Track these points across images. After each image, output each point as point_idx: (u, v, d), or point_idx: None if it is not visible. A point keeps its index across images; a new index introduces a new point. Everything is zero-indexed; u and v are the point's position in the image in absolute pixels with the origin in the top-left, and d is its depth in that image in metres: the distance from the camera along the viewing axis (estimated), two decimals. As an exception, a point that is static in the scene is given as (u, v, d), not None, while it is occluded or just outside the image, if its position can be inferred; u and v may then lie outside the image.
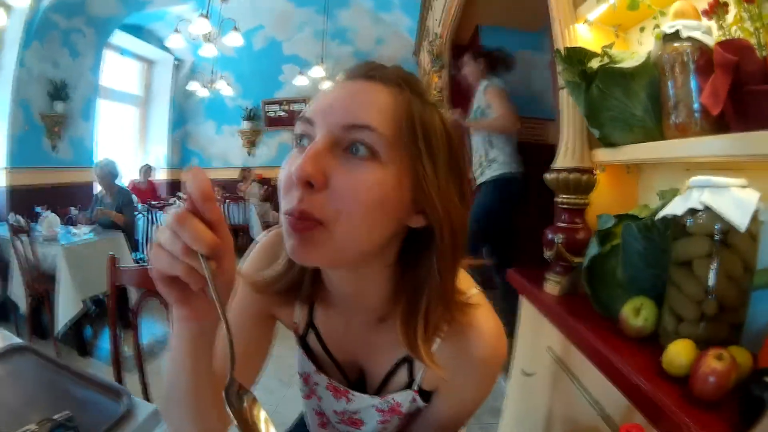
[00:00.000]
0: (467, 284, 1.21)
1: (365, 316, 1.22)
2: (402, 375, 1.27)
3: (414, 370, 1.26)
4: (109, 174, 6.54)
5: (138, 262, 7.10)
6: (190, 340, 0.93)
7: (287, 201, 0.92)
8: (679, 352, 1.31)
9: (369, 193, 0.90)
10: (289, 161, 0.97)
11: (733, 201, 1.27)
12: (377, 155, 0.91)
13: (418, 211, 1.01)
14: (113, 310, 2.48)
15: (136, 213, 7.75)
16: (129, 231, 6.52)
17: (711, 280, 1.33)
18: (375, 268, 1.09)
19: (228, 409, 0.78)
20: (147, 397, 2.44)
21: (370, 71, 1.01)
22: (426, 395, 1.29)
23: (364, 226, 0.93)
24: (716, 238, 1.31)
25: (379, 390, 1.32)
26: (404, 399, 1.29)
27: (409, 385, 1.28)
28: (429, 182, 0.96)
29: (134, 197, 7.60)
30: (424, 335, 1.06)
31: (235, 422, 0.79)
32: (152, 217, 8.24)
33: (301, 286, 1.24)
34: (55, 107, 9.20)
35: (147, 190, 10.53)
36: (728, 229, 1.29)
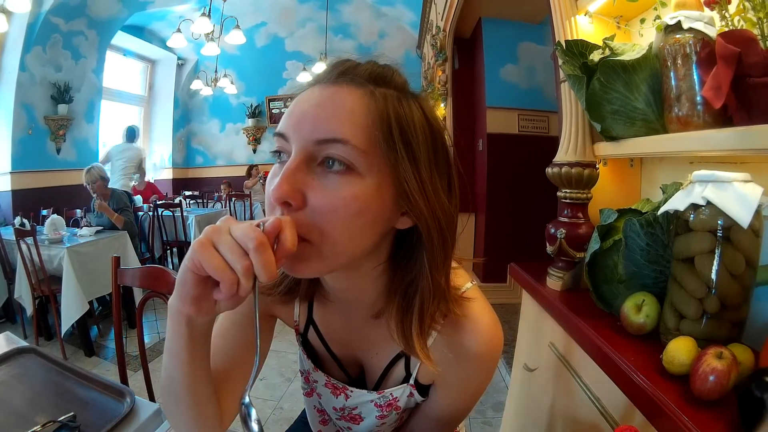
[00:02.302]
0: (463, 279, 1.20)
1: (361, 312, 1.22)
2: (399, 369, 1.28)
3: (411, 365, 1.26)
4: (100, 178, 6.48)
5: (144, 263, 7.11)
6: (190, 335, 0.94)
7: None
8: (679, 350, 1.29)
9: (347, 207, 0.89)
10: (271, 179, 0.97)
11: (736, 196, 1.25)
12: (353, 167, 0.90)
13: (404, 212, 1.00)
14: (117, 310, 2.50)
15: (140, 213, 7.76)
16: (131, 231, 6.49)
17: (713, 276, 1.31)
18: (367, 267, 1.08)
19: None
20: (151, 395, 2.45)
21: (340, 75, 1.00)
22: (423, 390, 1.30)
23: (348, 238, 0.93)
24: (719, 234, 1.29)
25: (378, 385, 1.33)
26: (401, 394, 1.30)
27: (406, 380, 1.28)
28: (411, 186, 0.95)
29: (135, 198, 7.61)
30: (419, 332, 1.06)
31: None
32: (157, 215, 8.21)
33: (299, 285, 1.25)
34: (59, 110, 9.32)
35: (146, 192, 10.53)
36: (731, 225, 1.27)
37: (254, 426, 0.84)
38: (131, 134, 9.64)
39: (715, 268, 1.31)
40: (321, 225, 0.89)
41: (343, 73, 1.00)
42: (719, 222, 1.29)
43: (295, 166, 0.89)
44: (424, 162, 0.96)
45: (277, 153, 0.99)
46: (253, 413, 0.85)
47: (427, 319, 1.06)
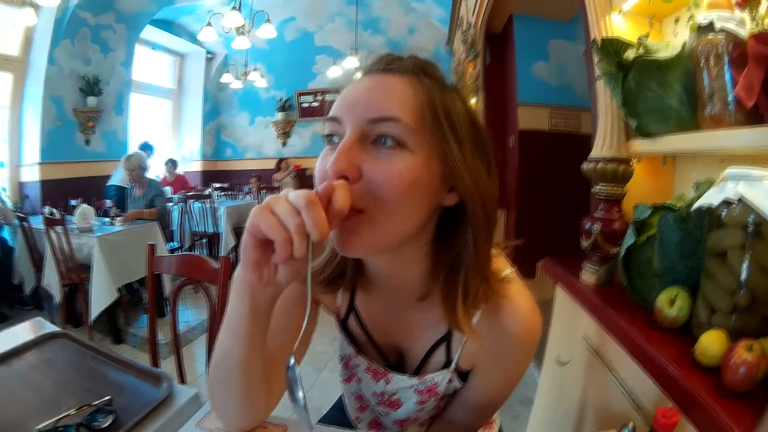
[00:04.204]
0: (502, 264, 1.24)
1: (405, 297, 1.25)
2: (440, 355, 1.31)
3: (451, 350, 1.29)
4: (138, 167, 6.56)
5: (172, 252, 7.15)
6: (252, 307, 0.98)
7: None
8: (711, 343, 1.32)
9: (401, 178, 0.95)
10: (323, 158, 1.03)
11: (767, 193, 1.27)
12: (405, 143, 0.97)
13: (450, 189, 1.07)
14: (152, 297, 2.54)
15: (170, 204, 7.78)
16: (163, 222, 6.55)
17: (744, 271, 1.33)
18: (413, 248, 1.13)
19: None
20: (183, 382, 2.47)
21: (387, 64, 1.07)
22: (463, 376, 1.33)
23: (401, 210, 0.98)
24: (750, 229, 1.31)
25: (418, 371, 1.36)
26: (442, 379, 1.32)
27: (446, 365, 1.31)
28: (457, 161, 1.01)
29: (165, 189, 7.65)
30: (464, 307, 1.10)
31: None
32: (187, 208, 8.27)
33: (343, 275, 1.29)
34: (88, 102, 9.42)
35: (174, 183, 10.59)
36: (762, 221, 1.28)
37: (300, 394, 0.87)
38: (144, 147, 9.77)
39: (746, 262, 1.32)
40: (376, 194, 0.95)
41: (390, 63, 1.07)
42: (750, 218, 1.30)
43: (350, 144, 0.96)
44: (467, 144, 1.05)
45: (329, 137, 1.06)
46: (296, 377, 0.88)
47: (471, 294, 1.10)
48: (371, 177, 0.95)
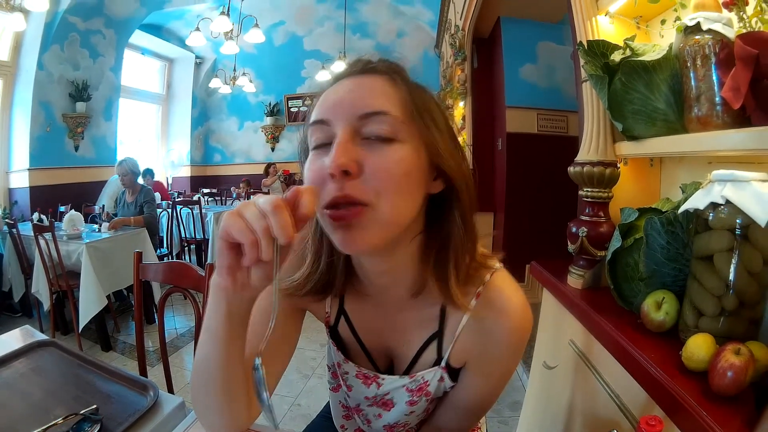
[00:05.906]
0: (492, 260, 1.27)
1: (399, 295, 1.27)
2: (431, 353, 1.32)
3: (443, 347, 1.30)
4: (130, 173, 6.54)
5: (162, 259, 7.13)
6: (228, 311, 0.99)
7: (323, 197, 1.00)
8: (698, 347, 1.31)
9: (398, 168, 1.00)
10: (313, 162, 1.05)
11: (755, 195, 1.26)
12: (396, 135, 1.02)
13: (435, 177, 1.13)
14: (139, 304, 2.53)
15: (159, 210, 7.76)
16: (152, 228, 6.53)
17: (731, 274, 1.32)
18: (406, 240, 1.15)
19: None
20: (171, 389, 2.47)
21: (364, 66, 1.13)
22: (453, 374, 1.33)
23: (402, 199, 1.03)
24: (737, 232, 1.31)
25: (408, 370, 1.36)
26: (432, 377, 1.33)
27: (437, 363, 1.32)
28: (441, 147, 1.08)
29: (157, 195, 7.63)
30: (457, 284, 1.15)
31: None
32: (175, 213, 8.26)
33: (330, 284, 1.29)
34: (77, 108, 9.41)
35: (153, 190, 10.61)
36: (749, 224, 1.28)
37: (264, 395, 0.88)
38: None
39: (733, 266, 1.32)
40: (378, 187, 0.98)
41: (367, 64, 1.14)
42: (738, 220, 1.30)
43: (345, 140, 0.99)
44: (444, 132, 1.13)
45: (316, 141, 1.07)
46: (261, 377, 0.89)
47: (463, 270, 1.15)
48: (371, 170, 0.98)
